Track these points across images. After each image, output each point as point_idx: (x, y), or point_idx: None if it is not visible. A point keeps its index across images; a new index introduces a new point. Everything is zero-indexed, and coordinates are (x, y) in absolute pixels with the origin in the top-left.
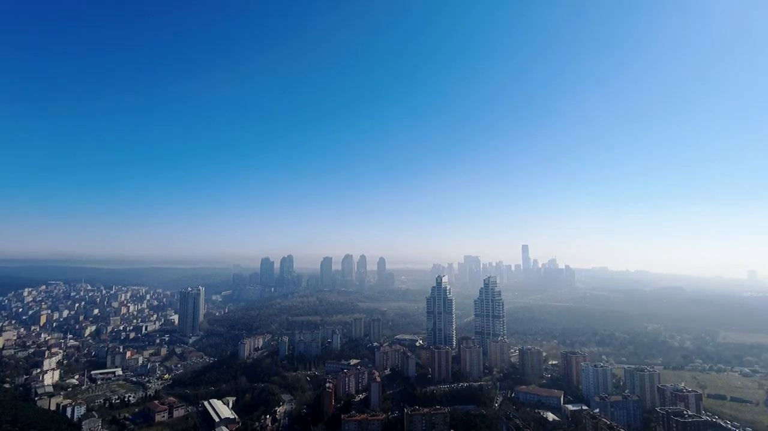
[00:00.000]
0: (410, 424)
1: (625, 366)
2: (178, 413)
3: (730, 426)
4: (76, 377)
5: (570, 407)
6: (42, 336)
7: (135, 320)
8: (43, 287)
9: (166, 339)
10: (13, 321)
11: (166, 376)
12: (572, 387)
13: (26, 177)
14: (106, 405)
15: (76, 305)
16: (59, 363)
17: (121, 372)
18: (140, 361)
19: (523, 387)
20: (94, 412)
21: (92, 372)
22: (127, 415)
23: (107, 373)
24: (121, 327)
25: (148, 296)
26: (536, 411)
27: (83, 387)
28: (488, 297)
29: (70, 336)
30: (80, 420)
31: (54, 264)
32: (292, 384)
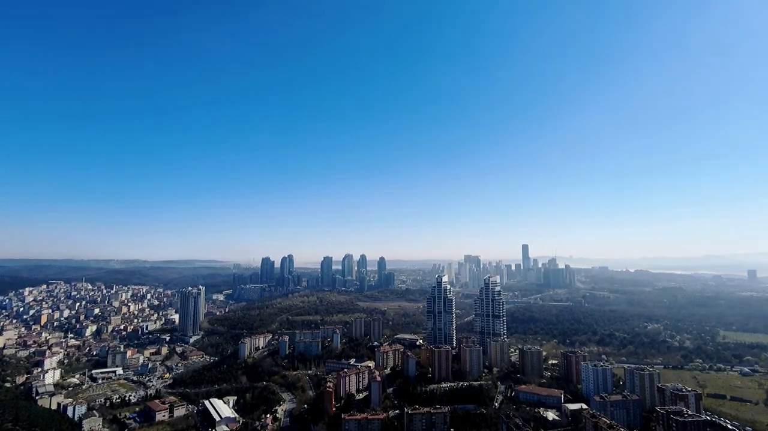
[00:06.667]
0: (410, 423)
1: (625, 366)
2: (179, 412)
3: (730, 426)
4: (77, 376)
5: (570, 406)
6: (43, 335)
7: (136, 320)
8: (44, 286)
9: (167, 338)
10: (14, 321)
11: (167, 375)
12: (572, 386)
13: (26, 177)
14: (107, 404)
15: (77, 304)
16: (60, 363)
17: (121, 372)
18: (141, 360)
19: (523, 386)
20: (94, 411)
21: (93, 372)
22: (127, 414)
23: (108, 372)
24: (121, 327)
25: (148, 296)
26: (536, 410)
27: (84, 387)
28: (488, 297)
29: (71, 335)
30: (81, 419)
31: (54, 264)
32: (293, 384)
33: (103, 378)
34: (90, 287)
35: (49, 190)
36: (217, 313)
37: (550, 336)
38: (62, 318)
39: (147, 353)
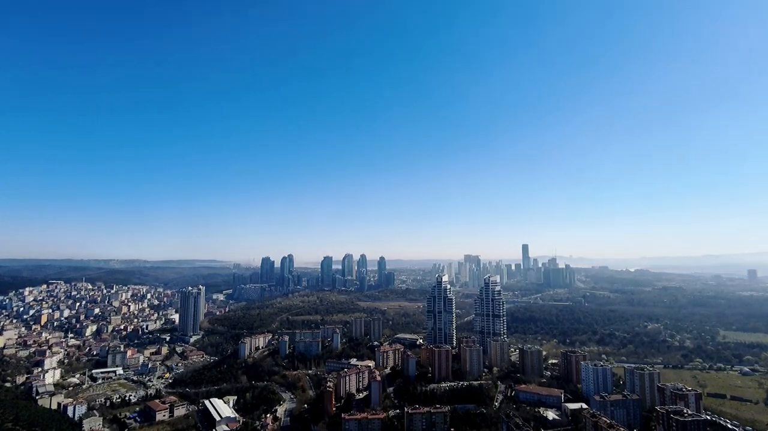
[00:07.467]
0: (410, 423)
1: (625, 365)
2: (179, 412)
3: (729, 425)
4: (77, 376)
5: (570, 406)
6: (43, 335)
7: (136, 320)
8: (44, 286)
9: (167, 338)
10: (15, 320)
11: (167, 375)
12: (572, 386)
13: (26, 177)
14: (107, 404)
15: (77, 304)
16: (60, 362)
17: (122, 371)
18: (141, 360)
19: (523, 386)
20: (95, 411)
21: (93, 371)
22: (128, 414)
23: (108, 372)
24: (121, 326)
25: (148, 296)
26: (536, 409)
27: (84, 386)
28: (488, 296)
29: (71, 335)
30: (81, 418)
31: (54, 264)
32: (293, 383)
33: (103, 378)
34: (90, 287)
35: (49, 190)
36: (217, 313)
37: (550, 336)
38: (62, 318)
39: (147, 353)
